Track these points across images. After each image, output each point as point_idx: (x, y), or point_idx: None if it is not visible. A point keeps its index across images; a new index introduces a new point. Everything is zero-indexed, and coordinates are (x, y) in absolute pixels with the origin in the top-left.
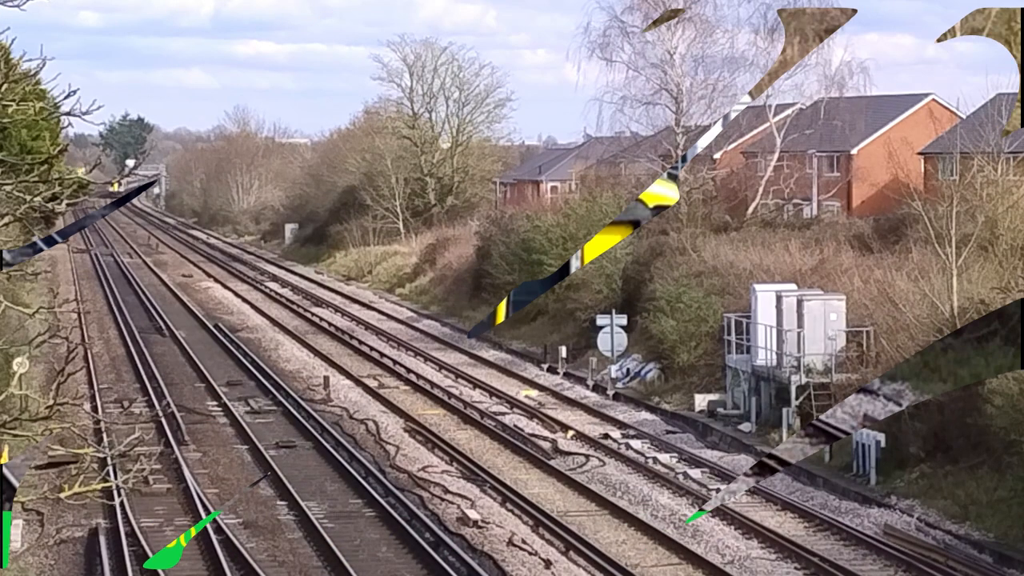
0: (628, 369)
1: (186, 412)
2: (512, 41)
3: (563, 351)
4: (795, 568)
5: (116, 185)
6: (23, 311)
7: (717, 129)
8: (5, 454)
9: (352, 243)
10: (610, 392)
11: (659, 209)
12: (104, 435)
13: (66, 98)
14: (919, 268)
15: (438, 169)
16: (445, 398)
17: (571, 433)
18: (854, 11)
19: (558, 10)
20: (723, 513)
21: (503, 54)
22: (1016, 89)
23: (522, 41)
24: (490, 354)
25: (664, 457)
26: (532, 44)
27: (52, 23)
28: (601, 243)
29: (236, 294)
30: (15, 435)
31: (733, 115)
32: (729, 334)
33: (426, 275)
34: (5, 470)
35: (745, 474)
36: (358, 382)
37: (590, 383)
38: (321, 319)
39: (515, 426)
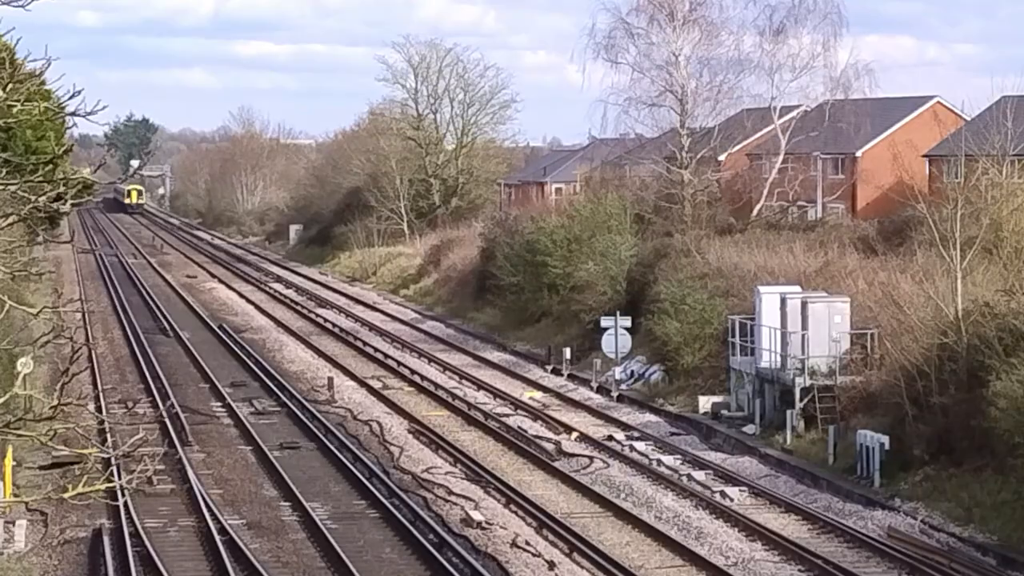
0: (632, 371)
1: (190, 413)
2: (512, 42)
3: (567, 353)
4: (799, 570)
5: (135, 196)
6: (27, 311)
7: None
8: (9, 454)
9: (356, 244)
10: (614, 394)
11: None
12: (108, 435)
13: (71, 98)
14: (923, 270)
15: (443, 170)
16: (449, 399)
17: (575, 435)
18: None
19: (559, 10)
20: (727, 515)
21: (504, 55)
22: (1019, 92)
23: (522, 42)
24: (494, 355)
25: (668, 459)
26: (533, 45)
27: (52, 22)
28: None
29: (240, 295)
30: (19, 435)
31: None
32: (733, 336)
33: (430, 276)
34: (10, 470)
35: (749, 476)
36: (362, 383)
37: (594, 385)
38: (325, 320)
39: (519, 428)
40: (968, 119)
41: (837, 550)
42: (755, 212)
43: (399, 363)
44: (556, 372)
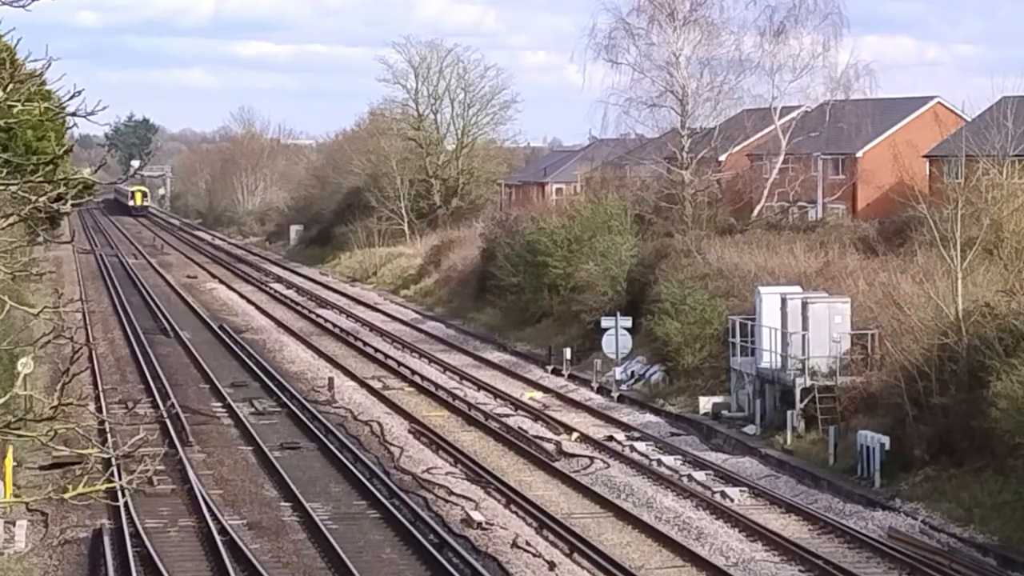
0: (633, 371)
1: (190, 413)
2: (512, 42)
3: (568, 353)
4: (799, 571)
5: (139, 197)
6: (28, 311)
7: None
8: (10, 454)
9: (357, 244)
10: (614, 394)
11: None
12: (108, 436)
13: (71, 98)
14: (924, 271)
15: (443, 171)
16: (450, 400)
17: (575, 435)
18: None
19: (559, 11)
20: (727, 515)
21: (504, 55)
22: (1020, 92)
23: (522, 42)
24: (494, 356)
25: (668, 459)
26: (533, 45)
27: (52, 23)
28: None
29: (241, 295)
30: (20, 435)
31: None
32: (734, 336)
33: (431, 277)
34: (10, 470)
35: (749, 477)
36: (363, 383)
37: (595, 385)
38: (326, 320)
39: (519, 428)
40: (968, 119)
41: (837, 550)
42: (755, 212)
43: (399, 363)
44: (556, 372)
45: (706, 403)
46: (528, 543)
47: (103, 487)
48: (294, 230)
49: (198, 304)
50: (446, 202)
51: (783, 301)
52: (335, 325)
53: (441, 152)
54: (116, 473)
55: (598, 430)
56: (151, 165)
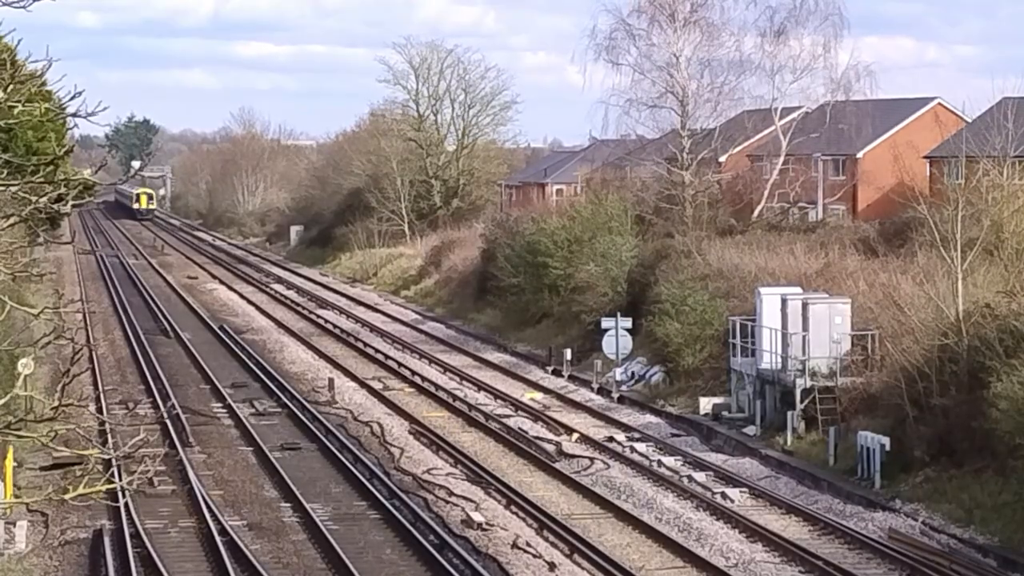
0: (633, 372)
1: (191, 414)
2: (513, 43)
3: (568, 354)
4: (799, 572)
5: (144, 200)
6: (28, 312)
7: None
8: (10, 455)
9: (357, 245)
10: (615, 395)
11: None
12: (109, 436)
13: (72, 99)
14: (924, 272)
15: (443, 171)
16: (450, 400)
17: (576, 436)
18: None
19: (559, 11)
20: (727, 516)
21: (504, 56)
22: (1020, 93)
23: (522, 43)
24: (495, 356)
25: (669, 460)
26: (533, 46)
27: (53, 23)
28: None
29: (241, 296)
30: (20, 436)
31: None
32: (734, 337)
33: (431, 277)
34: (11, 471)
35: (749, 477)
36: (363, 384)
37: (595, 386)
38: (326, 321)
39: (520, 429)
40: (969, 120)
41: (838, 551)
42: (756, 213)
43: (400, 364)
44: (557, 373)
45: (706, 404)
46: (528, 544)
47: (103, 488)
48: (294, 231)
49: (198, 305)
50: (446, 203)
51: (783, 302)
52: (335, 326)
53: (441, 153)
54: (116, 474)
55: (598, 431)
56: (151, 166)
